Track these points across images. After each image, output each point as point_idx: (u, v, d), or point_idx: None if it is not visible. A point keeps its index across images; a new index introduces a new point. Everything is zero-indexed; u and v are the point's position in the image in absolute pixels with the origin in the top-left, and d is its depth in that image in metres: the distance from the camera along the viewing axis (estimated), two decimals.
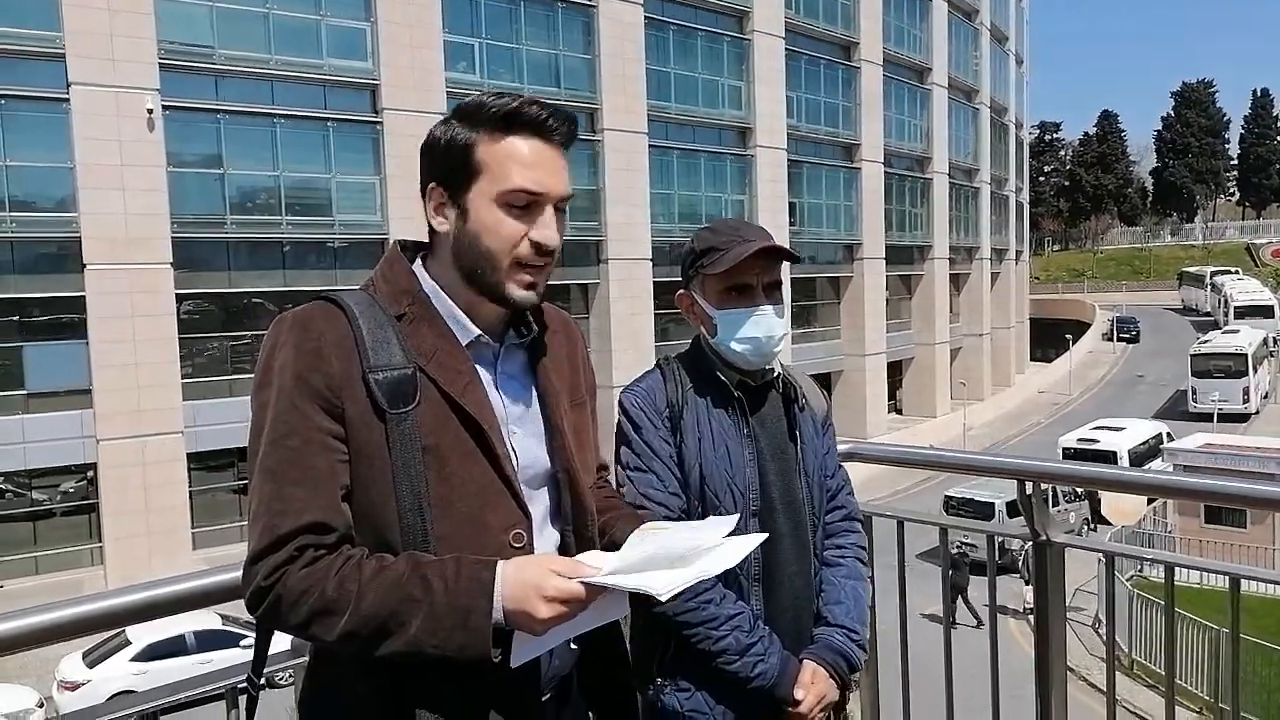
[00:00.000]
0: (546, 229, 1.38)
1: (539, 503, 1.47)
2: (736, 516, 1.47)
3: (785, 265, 2.08)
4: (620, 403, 2.01)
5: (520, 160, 1.36)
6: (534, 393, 1.50)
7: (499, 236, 1.36)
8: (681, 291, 2.07)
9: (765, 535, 1.52)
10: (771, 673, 1.90)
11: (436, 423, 1.35)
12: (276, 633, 1.39)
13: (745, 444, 1.97)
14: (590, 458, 1.58)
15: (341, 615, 1.25)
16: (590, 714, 1.60)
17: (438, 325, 1.40)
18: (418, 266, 1.45)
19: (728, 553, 1.33)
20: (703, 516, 1.90)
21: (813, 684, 1.93)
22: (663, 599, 1.23)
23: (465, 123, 1.38)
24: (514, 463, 1.41)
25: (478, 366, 1.42)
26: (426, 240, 1.48)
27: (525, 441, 1.45)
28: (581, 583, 1.24)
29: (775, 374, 2.04)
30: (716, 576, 1.80)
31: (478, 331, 1.41)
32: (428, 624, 1.24)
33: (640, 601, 1.39)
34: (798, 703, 1.90)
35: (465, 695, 1.33)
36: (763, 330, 1.95)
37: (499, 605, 1.24)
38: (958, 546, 17.31)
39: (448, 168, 1.38)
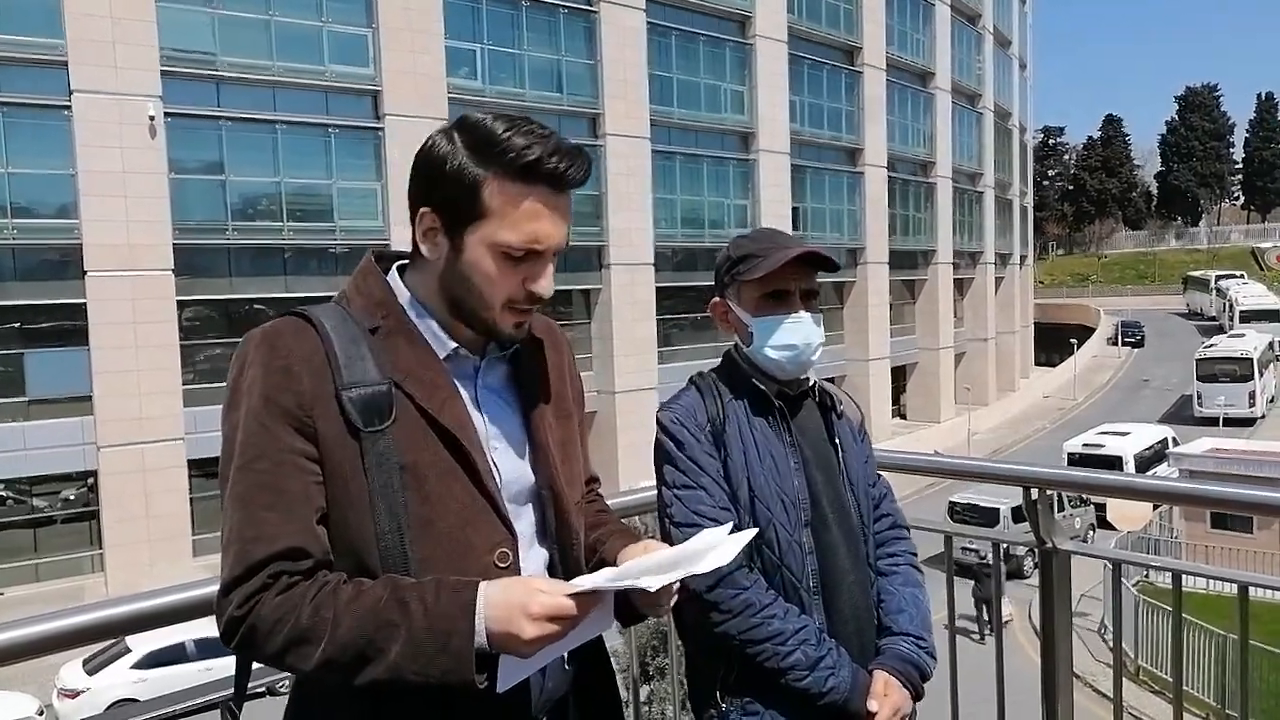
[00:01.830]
0: (544, 280, 1.33)
1: (525, 520, 1.42)
2: (731, 525, 1.43)
3: None
4: (659, 422, 1.96)
5: (530, 215, 1.29)
6: (517, 406, 1.44)
7: (494, 284, 1.31)
8: (716, 299, 2.03)
9: (756, 530, 1.47)
10: (844, 686, 1.86)
11: (414, 440, 1.30)
12: None
13: (790, 453, 1.94)
14: (577, 471, 1.51)
15: (318, 644, 1.20)
16: None
17: (414, 339, 1.35)
18: (393, 277, 1.39)
19: (721, 552, 1.29)
20: (747, 529, 1.89)
21: (886, 695, 1.88)
22: (651, 589, 1.20)
23: (476, 157, 1.29)
24: (497, 479, 1.36)
25: (457, 380, 1.36)
26: (405, 250, 1.43)
27: (508, 457, 1.40)
28: (569, 594, 1.20)
29: (811, 383, 2.02)
30: (776, 593, 1.90)
31: (455, 344, 1.36)
32: (407, 650, 1.19)
33: (629, 617, 1.37)
34: (873, 715, 1.86)
35: (449, 717, 1.28)
36: (800, 337, 1.92)
37: (481, 628, 1.19)
38: (982, 556, 17.22)
39: (449, 199, 1.30)
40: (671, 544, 1.79)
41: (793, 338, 1.92)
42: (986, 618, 16.96)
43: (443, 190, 1.31)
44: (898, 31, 38.18)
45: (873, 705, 1.86)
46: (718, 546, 1.30)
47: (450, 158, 1.30)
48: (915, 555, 2.12)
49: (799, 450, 1.95)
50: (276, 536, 1.23)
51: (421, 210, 1.33)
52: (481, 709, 1.25)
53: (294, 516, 1.25)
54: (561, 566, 1.44)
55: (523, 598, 1.19)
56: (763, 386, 1.95)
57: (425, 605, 1.20)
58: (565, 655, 1.41)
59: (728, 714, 1.90)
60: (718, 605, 1.84)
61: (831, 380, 2.19)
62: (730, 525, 1.43)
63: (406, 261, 1.42)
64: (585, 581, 1.23)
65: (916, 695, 1.96)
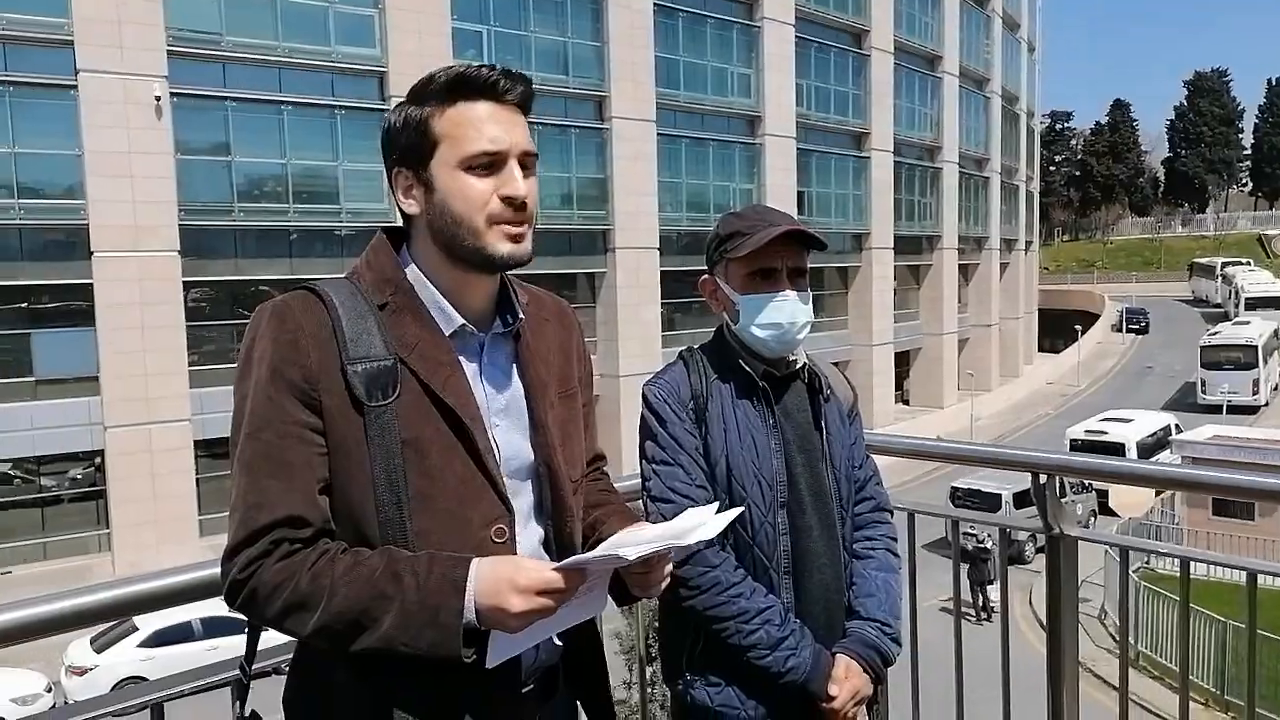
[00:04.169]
0: (513, 182, 1.35)
1: (524, 497, 1.44)
2: (716, 505, 1.45)
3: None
4: (644, 396, 1.97)
5: (474, 123, 1.34)
6: (520, 384, 1.46)
7: (467, 200, 1.34)
8: (705, 277, 2.04)
9: (741, 509, 1.52)
10: (803, 667, 1.87)
11: (417, 415, 1.32)
12: None
13: (771, 435, 1.94)
14: (577, 451, 1.53)
15: (314, 610, 1.24)
16: (578, 705, 1.59)
17: (420, 315, 1.37)
18: (404, 255, 1.43)
19: (705, 529, 1.32)
20: (729, 509, 1.91)
21: (846, 678, 1.90)
22: (629, 558, 1.21)
23: (417, 101, 1.36)
24: (496, 456, 1.38)
25: (461, 357, 1.39)
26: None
27: (508, 434, 1.42)
28: (556, 568, 1.22)
29: (800, 363, 2.01)
30: (745, 571, 1.91)
31: (461, 321, 1.39)
32: (399, 621, 1.22)
33: (623, 598, 1.42)
34: (832, 698, 1.88)
35: (441, 688, 1.31)
36: (786, 316, 1.91)
37: (471, 604, 1.22)
38: (980, 541, 17.28)
39: (406, 147, 1.37)
40: (648, 517, 1.88)
41: (778, 316, 1.92)
42: (982, 601, 17.07)
43: (401, 144, 1.37)
44: (906, 14, 37.89)
45: (833, 689, 1.88)
46: (703, 524, 1.33)
47: (398, 116, 1.38)
48: (894, 539, 2.12)
49: (780, 432, 1.95)
50: (279, 504, 1.27)
51: (394, 173, 1.39)
52: (472, 675, 1.27)
53: (296, 486, 1.28)
54: (556, 544, 1.46)
55: (511, 573, 1.22)
56: (748, 367, 1.95)
57: (418, 579, 1.23)
58: None
59: (692, 683, 1.94)
60: (686, 581, 1.87)
61: (836, 364, 2.18)
62: (716, 505, 1.45)
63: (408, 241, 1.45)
64: (571, 558, 1.26)
65: (877, 679, 1.97)
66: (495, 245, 1.35)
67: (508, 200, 1.34)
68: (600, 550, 1.26)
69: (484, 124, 1.34)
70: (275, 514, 1.27)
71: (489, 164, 1.34)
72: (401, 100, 1.40)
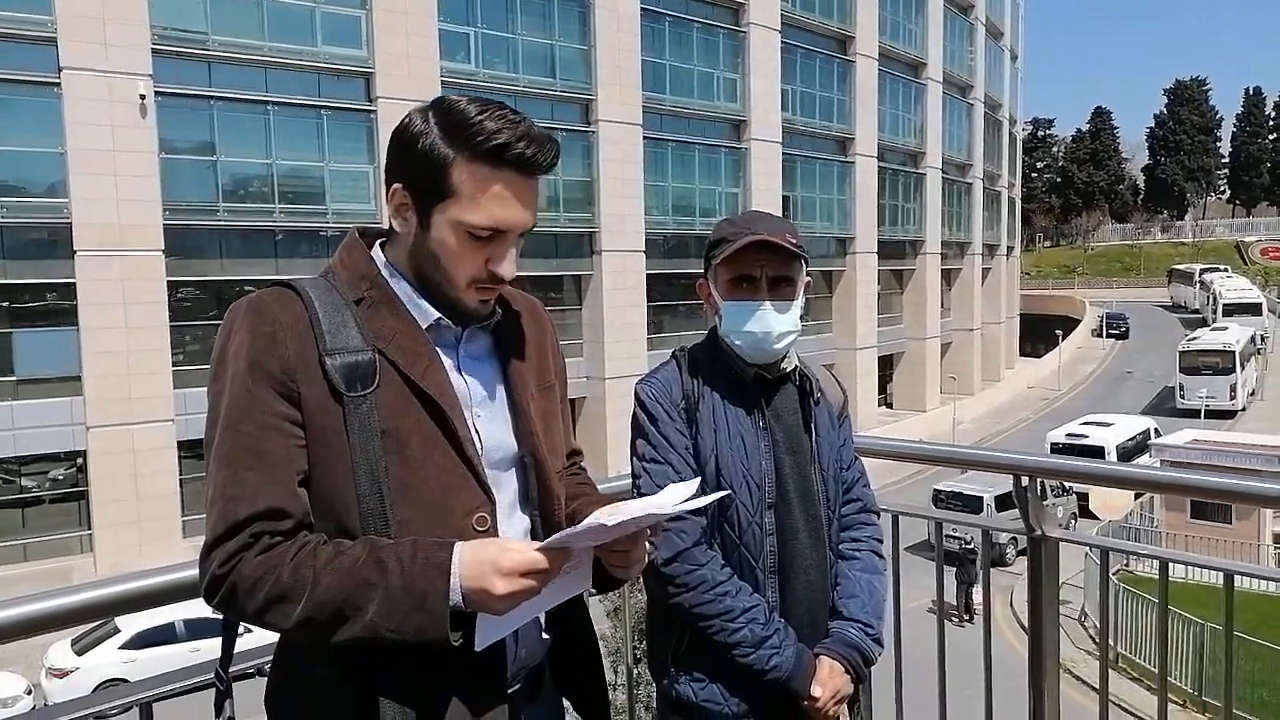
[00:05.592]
0: (506, 262, 1.37)
1: (506, 487, 1.45)
2: (698, 480, 1.46)
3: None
4: (636, 394, 2.00)
5: (495, 197, 1.33)
6: (499, 376, 1.48)
7: (458, 263, 1.35)
8: (701, 280, 2.06)
9: (726, 493, 1.61)
10: (786, 666, 1.90)
11: (397, 406, 1.32)
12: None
13: (761, 436, 1.96)
14: (559, 442, 1.55)
15: (297, 602, 1.23)
16: (566, 704, 1.59)
17: (397, 309, 1.38)
18: (376, 252, 1.43)
19: (687, 503, 1.34)
20: (719, 509, 1.92)
21: (829, 679, 1.92)
22: (610, 525, 1.23)
23: (447, 137, 1.32)
24: (477, 446, 1.38)
25: (439, 349, 1.39)
26: (387, 227, 1.46)
27: (490, 425, 1.43)
28: (539, 548, 1.23)
29: (791, 366, 2.02)
30: (732, 570, 1.93)
31: (437, 315, 1.39)
32: (384, 608, 1.22)
33: (606, 584, 1.43)
34: (814, 698, 1.90)
35: (427, 684, 1.30)
36: (760, 326, 1.92)
37: (457, 586, 1.22)
38: (968, 542, 17.39)
39: (418, 176, 1.34)
40: None
41: (753, 325, 1.92)
42: (966, 602, 17.17)
43: (414, 168, 1.34)
44: (890, 21, 38.10)
45: (816, 690, 1.90)
46: (685, 500, 1.34)
47: (423, 136, 1.33)
48: (880, 541, 2.14)
49: (770, 433, 1.97)
50: (258, 496, 1.26)
51: (394, 186, 1.37)
52: (455, 665, 1.27)
53: (276, 478, 1.27)
54: (544, 532, 1.45)
55: (494, 555, 1.22)
56: (739, 369, 1.97)
57: (402, 565, 1.22)
58: (542, 624, 1.47)
59: (677, 680, 1.97)
60: (673, 579, 1.90)
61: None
62: (698, 481, 1.46)
63: (386, 238, 1.46)
64: (553, 537, 1.26)
65: (858, 679, 1.99)
66: (467, 301, 1.38)
67: (494, 274, 1.37)
68: (582, 525, 1.25)
69: (503, 199, 1.33)
70: (255, 506, 1.25)
71: (490, 236, 1.35)
72: (427, 109, 1.37)
